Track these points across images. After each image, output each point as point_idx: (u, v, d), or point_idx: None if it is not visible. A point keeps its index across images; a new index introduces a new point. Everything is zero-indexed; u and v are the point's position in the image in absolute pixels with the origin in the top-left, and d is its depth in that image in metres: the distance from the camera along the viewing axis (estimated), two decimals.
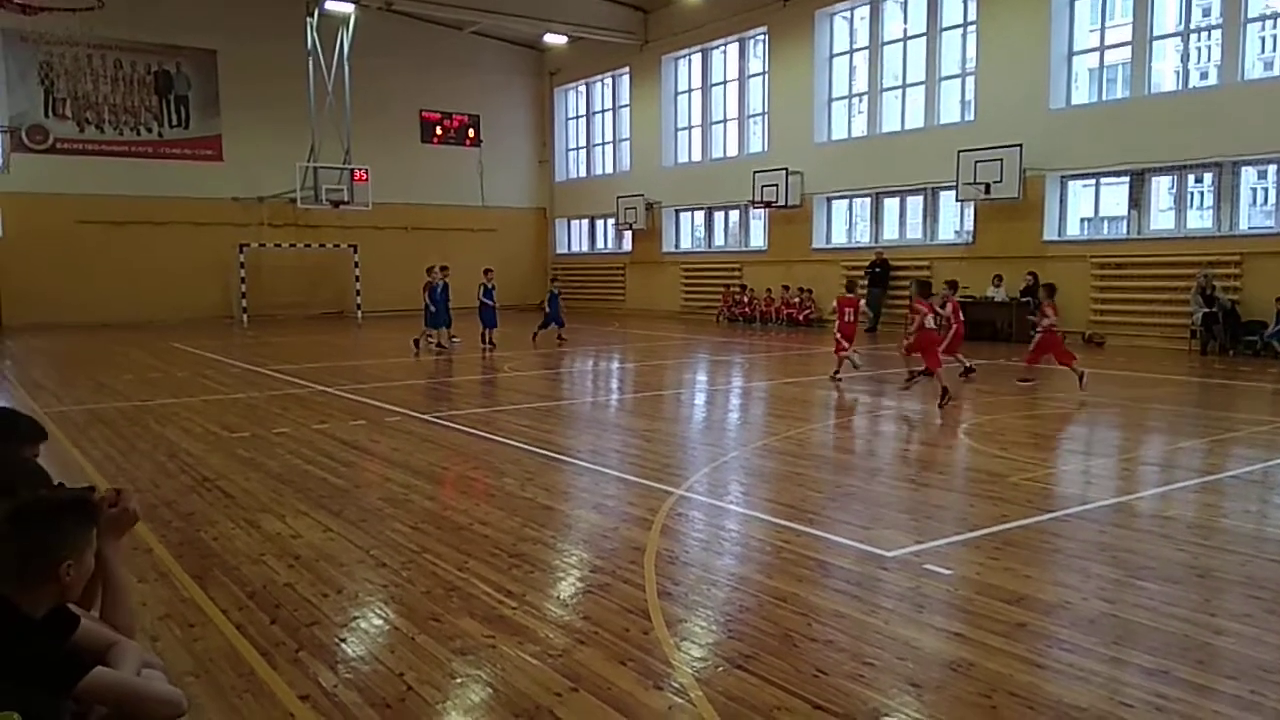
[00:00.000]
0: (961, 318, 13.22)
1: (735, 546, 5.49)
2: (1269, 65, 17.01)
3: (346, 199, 25.78)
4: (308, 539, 5.54)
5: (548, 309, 19.92)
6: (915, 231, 21.95)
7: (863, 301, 14.92)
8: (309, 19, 24.77)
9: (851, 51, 23.11)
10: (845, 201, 23.71)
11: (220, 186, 26.79)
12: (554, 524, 5.96)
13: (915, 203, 21.87)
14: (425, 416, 9.96)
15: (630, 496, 6.63)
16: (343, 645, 4.04)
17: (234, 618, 4.31)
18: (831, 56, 23.34)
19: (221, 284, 26.92)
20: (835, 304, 13.51)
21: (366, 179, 26.08)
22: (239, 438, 8.84)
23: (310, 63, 25.37)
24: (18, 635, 2.37)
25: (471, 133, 31.42)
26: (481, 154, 31.51)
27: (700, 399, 12.26)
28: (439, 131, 30.87)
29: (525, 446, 8.36)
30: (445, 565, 5.02)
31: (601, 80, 31.33)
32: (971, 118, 20.14)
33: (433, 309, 17.63)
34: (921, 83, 21.33)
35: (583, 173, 32.79)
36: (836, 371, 12.97)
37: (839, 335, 13.12)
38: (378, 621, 4.32)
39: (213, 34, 26.23)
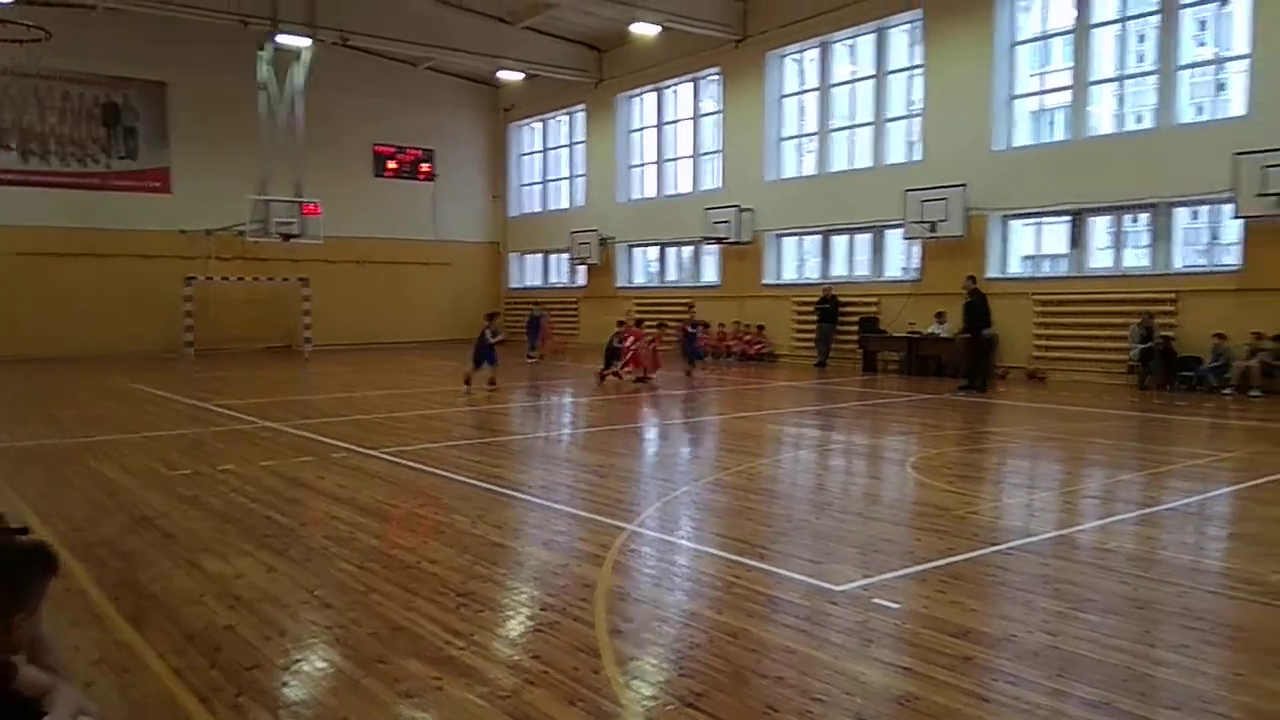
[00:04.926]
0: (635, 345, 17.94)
1: (686, 582, 5.49)
2: (1200, 110, 17.66)
3: (297, 232, 25.51)
4: (250, 579, 5.42)
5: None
6: (863, 268, 22.32)
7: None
8: (261, 52, 24.65)
9: (802, 92, 23.57)
10: (795, 238, 24.05)
11: (168, 219, 26.39)
12: (504, 561, 5.91)
13: (864, 240, 22.25)
14: (373, 452, 9.83)
15: (581, 532, 6.60)
16: (284, 689, 3.95)
17: (171, 662, 4.19)
18: (782, 97, 23.78)
19: (167, 318, 26.38)
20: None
21: (318, 212, 25.88)
22: (180, 475, 8.64)
23: (262, 96, 25.21)
24: None
25: (425, 167, 31.44)
26: (435, 188, 31.51)
27: (652, 433, 12.28)
28: (392, 165, 30.84)
29: (476, 482, 8.29)
30: (392, 605, 4.94)
31: (557, 117, 31.57)
32: (918, 158, 20.61)
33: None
34: (869, 123, 21.80)
35: (537, 207, 32.90)
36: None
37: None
38: (321, 664, 4.23)
39: (162, 66, 25.98)
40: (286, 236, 25.39)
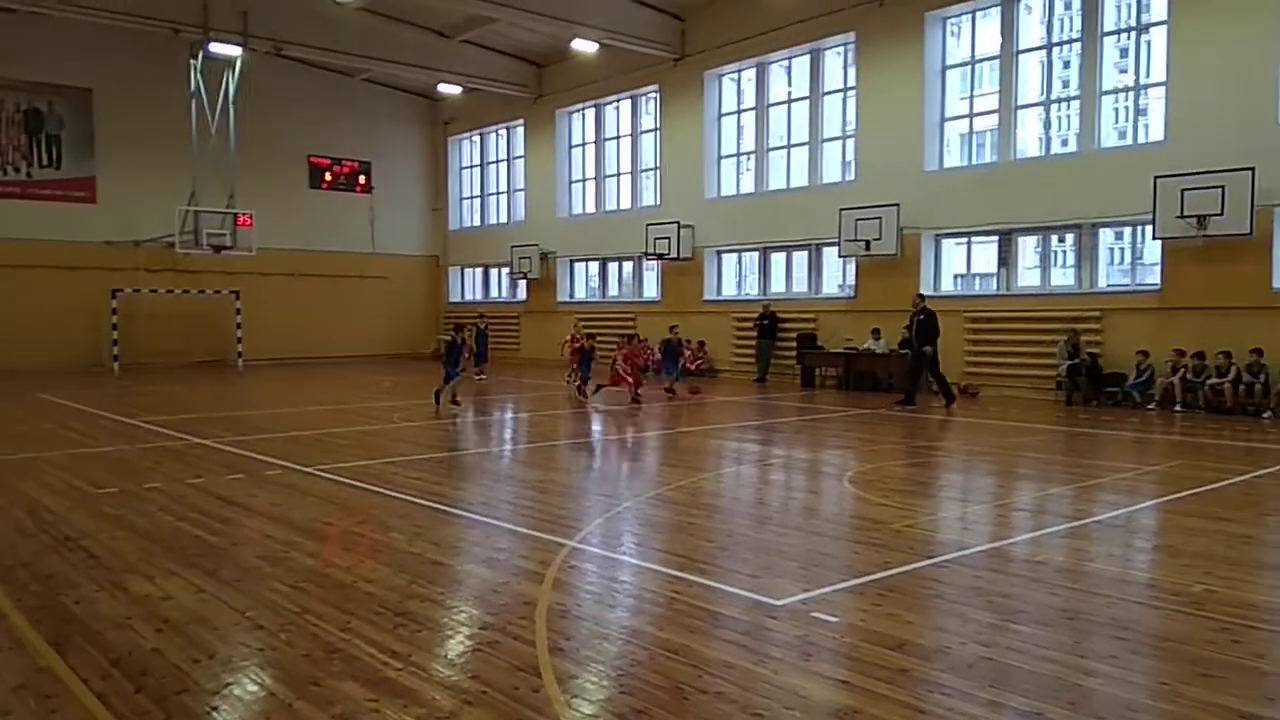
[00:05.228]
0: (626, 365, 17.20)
1: (627, 598, 5.47)
2: (1122, 134, 18.35)
3: (229, 244, 25.02)
4: (178, 601, 5.27)
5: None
6: (801, 285, 22.63)
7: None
8: (192, 61, 24.14)
9: (739, 111, 23.86)
10: (735, 255, 24.29)
11: (93, 229, 25.63)
12: (443, 580, 5.83)
13: (801, 258, 22.56)
14: (309, 470, 9.63)
15: (522, 549, 6.55)
16: (214, 714, 3.83)
17: (95, 687, 4.05)
18: (720, 116, 24.05)
19: (92, 331, 25.59)
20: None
21: (251, 223, 25.38)
22: (106, 494, 8.37)
23: (193, 105, 24.68)
24: None
25: (362, 179, 31.07)
26: (373, 201, 31.15)
27: (594, 449, 12.25)
28: (328, 177, 30.42)
29: (415, 499, 8.17)
30: (327, 626, 4.84)
31: (496, 131, 31.48)
32: (852, 178, 20.99)
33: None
34: (805, 143, 22.15)
35: (477, 221, 32.71)
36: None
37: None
38: (253, 687, 4.12)
39: (89, 72, 25.30)
40: (218, 248, 24.89)
